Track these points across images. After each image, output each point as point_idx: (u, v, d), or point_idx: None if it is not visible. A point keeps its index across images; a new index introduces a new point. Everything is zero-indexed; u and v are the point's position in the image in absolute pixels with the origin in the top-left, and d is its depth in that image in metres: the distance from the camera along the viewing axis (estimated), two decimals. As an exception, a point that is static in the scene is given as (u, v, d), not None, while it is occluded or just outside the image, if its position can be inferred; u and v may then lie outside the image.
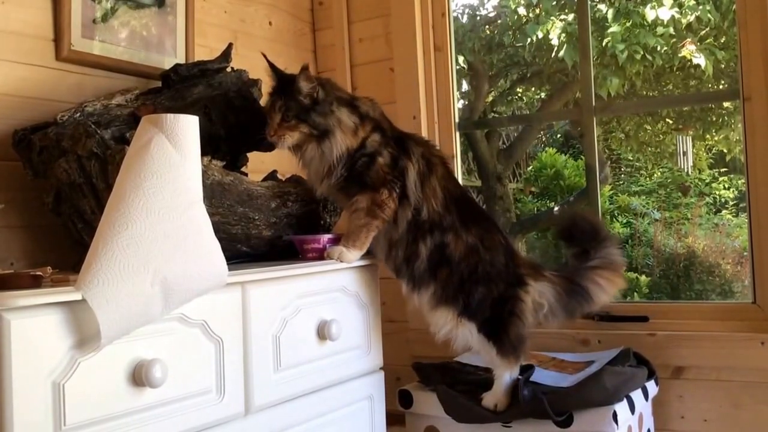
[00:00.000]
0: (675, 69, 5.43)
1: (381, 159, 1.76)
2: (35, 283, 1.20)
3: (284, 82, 1.77)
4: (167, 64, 1.99)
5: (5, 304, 1.07)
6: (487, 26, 6.05)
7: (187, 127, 1.31)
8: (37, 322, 1.10)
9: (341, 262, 1.72)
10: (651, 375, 2.01)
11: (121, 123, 1.67)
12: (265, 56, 1.80)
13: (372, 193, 1.75)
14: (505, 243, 1.85)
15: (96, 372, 1.17)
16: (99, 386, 1.18)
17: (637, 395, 1.89)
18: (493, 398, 1.83)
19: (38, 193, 1.68)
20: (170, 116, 1.30)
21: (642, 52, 4.75)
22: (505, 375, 1.83)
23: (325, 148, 1.74)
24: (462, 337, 1.80)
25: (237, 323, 1.46)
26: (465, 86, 6.02)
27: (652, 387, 2.01)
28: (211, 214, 1.35)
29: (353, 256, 1.74)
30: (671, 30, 4.77)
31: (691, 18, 4.71)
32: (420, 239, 1.77)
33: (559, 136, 7.81)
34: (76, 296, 1.11)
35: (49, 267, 1.34)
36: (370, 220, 1.74)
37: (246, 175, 1.85)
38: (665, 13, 4.63)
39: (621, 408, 1.78)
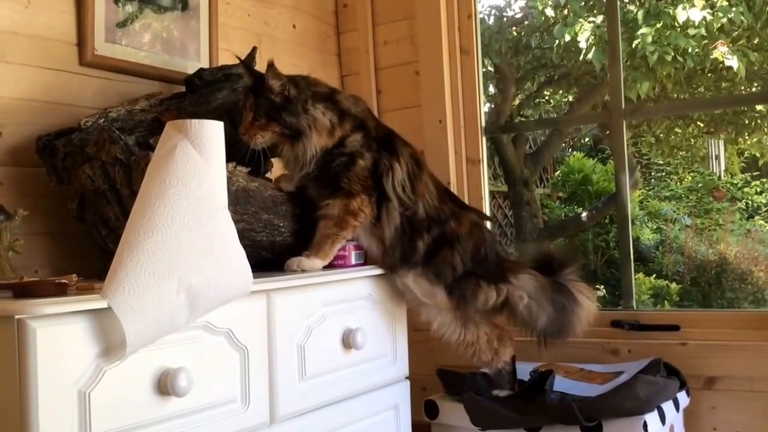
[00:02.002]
0: (706, 71, 5.34)
1: (362, 162, 1.71)
2: (60, 291, 1.19)
3: (257, 80, 1.71)
4: (191, 68, 1.99)
5: (31, 312, 1.06)
6: (514, 28, 6.00)
7: (212, 132, 1.30)
8: (62, 330, 1.10)
9: (302, 271, 1.62)
10: (682, 385, 1.97)
11: (145, 129, 1.66)
12: (238, 57, 1.77)
13: (346, 200, 1.69)
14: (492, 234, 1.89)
15: (121, 381, 1.17)
16: (124, 395, 1.17)
17: (668, 406, 1.85)
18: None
19: (62, 200, 1.68)
20: (195, 122, 1.29)
21: (673, 54, 4.66)
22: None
23: (298, 151, 1.69)
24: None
25: (262, 332, 1.45)
26: (491, 89, 5.98)
27: (683, 398, 1.97)
28: (236, 221, 1.34)
29: (314, 264, 1.66)
30: (703, 31, 4.67)
31: (724, 20, 4.62)
32: (417, 238, 1.74)
33: (587, 140, 7.73)
34: (102, 304, 1.10)
35: (74, 275, 1.33)
36: (338, 231, 1.69)
37: (270, 181, 1.84)
38: (697, 14, 4.55)
39: (651, 418, 1.75)
